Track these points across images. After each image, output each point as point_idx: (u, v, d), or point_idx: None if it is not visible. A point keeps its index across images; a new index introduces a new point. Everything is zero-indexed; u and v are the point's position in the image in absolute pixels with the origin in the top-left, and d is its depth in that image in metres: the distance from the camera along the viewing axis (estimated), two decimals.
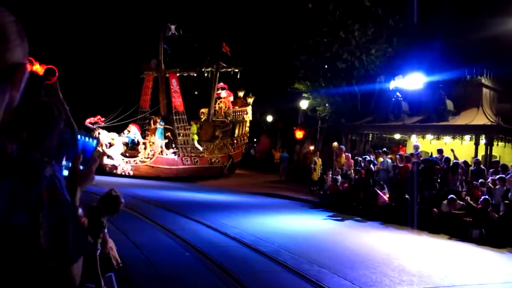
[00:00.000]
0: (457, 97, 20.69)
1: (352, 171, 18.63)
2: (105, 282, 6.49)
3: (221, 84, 31.36)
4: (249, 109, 32.49)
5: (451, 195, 13.68)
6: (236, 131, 31.61)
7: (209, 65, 30.70)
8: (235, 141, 31.33)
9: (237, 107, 32.01)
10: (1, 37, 1.13)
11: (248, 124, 32.58)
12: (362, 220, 15.12)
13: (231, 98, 31.91)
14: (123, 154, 25.57)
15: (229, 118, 31.30)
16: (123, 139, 26.05)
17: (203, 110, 31.81)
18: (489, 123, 18.83)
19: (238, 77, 30.59)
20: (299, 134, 30.71)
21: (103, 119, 25.98)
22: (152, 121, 27.28)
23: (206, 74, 31.39)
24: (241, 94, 32.79)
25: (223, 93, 31.53)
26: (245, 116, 32.24)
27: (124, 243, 9.15)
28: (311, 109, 30.85)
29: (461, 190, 14.47)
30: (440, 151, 16.38)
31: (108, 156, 24.95)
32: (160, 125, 26.80)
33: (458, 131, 19.79)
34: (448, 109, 20.31)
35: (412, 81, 21.98)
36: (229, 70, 30.54)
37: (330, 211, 16.57)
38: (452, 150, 16.21)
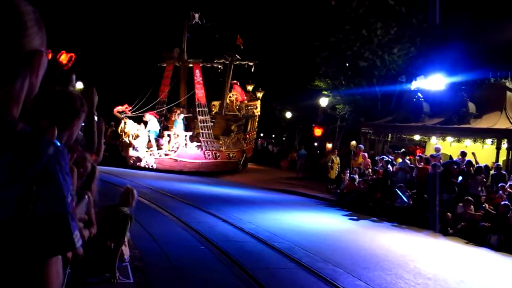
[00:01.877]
0: (480, 99, 20.36)
1: (369, 170, 18.51)
2: (121, 272, 6.57)
3: (233, 81, 30.79)
4: (258, 103, 32.10)
5: (467, 197, 13.52)
6: (249, 126, 31.38)
7: (223, 57, 29.68)
8: (247, 136, 31.13)
9: (245, 101, 31.42)
10: (19, 24, 1.17)
11: (257, 119, 32.34)
12: (378, 220, 15.01)
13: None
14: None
15: (242, 112, 30.82)
16: (147, 131, 25.31)
17: (214, 102, 30.88)
18: None
19: (252, 70, 29.84)
20: (318, 132, 30.58)
21: (130, 108, 25.36)
22: (173, 113, 26.66)
23: (219, 66, 30.28)
24: (250, 88, 32.12)
25: (237, 88, 31.09)
26: (254, 110, 31.91)
27: (140, 234, 9.24)
28: (330, 107, 30.69)
29: (481, 195, 14.25)
30: (463, 154, 16.17)
31: (134, 148, 24.34)
32: (178, 117, 26.16)
33: (479, 134, 19.50)
34: (470, 111, 20.02)
35: (434, 82, 21.73)
36: (243, 63, 29.70)
37: (346, 210, 16.49)
38: (474, 154, 15.98)
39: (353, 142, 22.31)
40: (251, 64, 29.38)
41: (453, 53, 23.90)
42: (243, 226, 11.42)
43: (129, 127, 24.40)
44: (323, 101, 29.94)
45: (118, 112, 24.67)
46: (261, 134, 47.81)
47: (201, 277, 7.61)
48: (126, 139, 24.18)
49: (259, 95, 32.38)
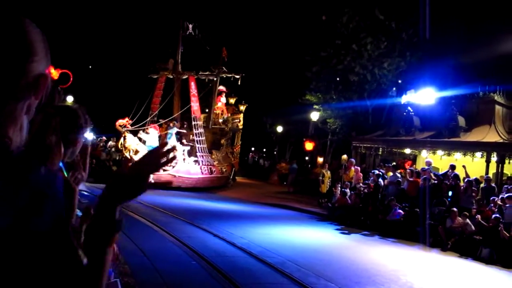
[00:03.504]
0: (469, 113, 20.54)
1: (361, 184, 18.54)
2: None
3: (221, 87, 29.68)
4: (241, 117, 31.26)
5: (453, 209, 13.57)
6: (236, 139, 30.98)
7: (208, 70, 28.26)
8: (235, 150, 30.77)
9: (228, 114, 30.43)
10: (28, 50, 1.18)
11: (241, 133, 31.76)
12: (370, 234, 15.00)
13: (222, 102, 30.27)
14: None
15: (229, 126, 30.01)
16: (146, 145, 24.11)
17: (201, 115, 28.55)
18: (501, 140, 18.66)
19: (239, 83, 28.61)
20: (309, 146, 30.61)
21: (130, 122, 24.35)
22: (167, 126, 25.72)
23: (214, 78, 28.81)
24: (232, 101, 31.15)
25: (222, 99, 30.05)
26: (238, 124, 31.18)
27: (131, 249, 9.15)
28: (321, 121, 30.77)
29: (472, 208, 14.30)
30: (452, 167, 16.25)
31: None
32: (171, 130, 25.13)
33: (469, 147, 19.62)
34: (460, 125, 20.17)
35: (424, 96, 21.87)
36: (229, 76, 28.42)
37: (338, 224, 16.46)
38: (464, 167, 16.08)
39: (344, 156, 22.33)
40: (238, 77, 28.26)
41: (443, 67, 24.13)
42: (235, 241, 11.35)
43: (130, 141, 23.53)
44: (314, 115, 30.04)
45: (120, 126, 23.71)
46: (252, 148, 47.80)
47: None
48: (127, 154, 23.31)
49: (242, 108, 31.67)
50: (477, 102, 20.83)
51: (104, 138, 30.10)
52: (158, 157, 1.52)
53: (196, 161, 25.40)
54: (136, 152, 23.38)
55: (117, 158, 29.72)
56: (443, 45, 25.61)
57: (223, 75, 28.40)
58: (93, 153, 27.93)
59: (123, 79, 36.54)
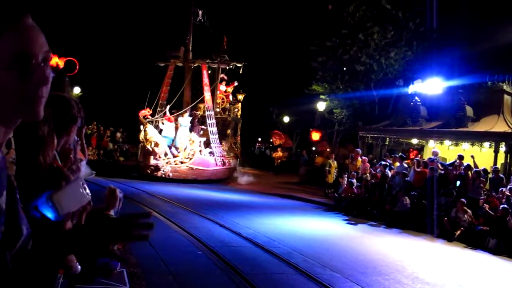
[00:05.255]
0: (477, 103, 20.38)
1: (367, 175, 18.48)
2: (117, 278, 6.50)
3: (222, 75, 28.66)
4: (239, 106, 30.52)
5: (460, 199, 13.50)
6: (238, 129, 30.49)
7: (209, 58, 27.09)
8: (237, 140, 30.31)
9: (227, 104, 29.52)
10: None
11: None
12: (376, 224, 14.96)
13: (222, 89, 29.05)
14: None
15: (231, 115, 29.35)
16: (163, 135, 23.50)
17: (200, 105, 27.53)
18: (510, 130, 18.53)
19: (241, 72, 27.65)
20: (315, 136, 30.55)
21: (151, 112, 23.85)
22: (176, 117, 24.74)
23: (227, 67, 27.78)
24: (229, 90, 29.86)
25: (222, 87, 28.84)
26: (237, 113, 30.47)
27: None
28: (328, 111, 30.67)
29: (479, 198, 14.21)
30: (460, 157, 16.15)
31: (155, 156, 22.40)
32: (183, 121, 24.26)
33: (477, 137, 19.51)
34: (468, 115, 20.03)
35: (431, 86, 21.74)
36: (231, 64, 27.39)
37: (344, 214, 16.43)
38: (472, 157, 15.96)
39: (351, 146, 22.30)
40: (239, 65, 27.30)
41: (451, 56, 23.96)
42: (241, 231, 11.36)
43: (151, 133, 22.66)
44: (321, 106, 29.95)
45: (143, 117, 23.08)
46: (259, 139, 47.80)
47: (198, 282, 7.55)
48: (149, 147, 22.42)
49: (240, 97, 30.92)
50: (485, 91, 20.69)
51: (111, 128, 30.12)
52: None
53: (211, 153, 24.87)
54: (156, 144, 22.78)
55: (124, 149, 29.77)
56: (451, 35, 25.40)
57: (225, 64, 27.57)
58: (100, 144, 28.00)
59: (130, 69, 36.36)
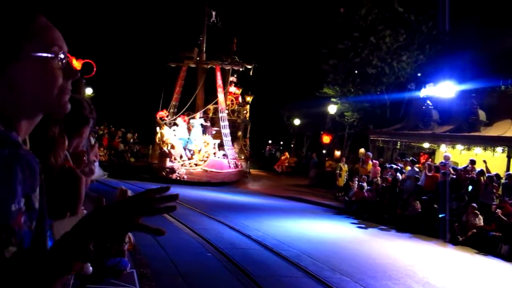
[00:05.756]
0: (490, 107, 20.16)
1: (378, 178, 18.39)
2: (127, 278, 6.52)
3: (232, 78, 28.62)
4: (248, 108, 30.44)
5: (473, 204, 13.37)
6: (247, 131, 30.39)
7: (219, 59, 26.84)
8: (247, 142, 30.26)
9: (236, 106, 29.40)
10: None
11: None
12: (386, 228, 14.87)
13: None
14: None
15: (241, 117, 29.33)
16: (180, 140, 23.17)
17: (210, 106, 27.32)
18: None
19: (251, 74, 27.31)
20: (326, 139, 30.47)
21: (168, 114, 23.73)
22: (189, 119, 24.60)
23: (240, 69, 27.46)
24: (237, 91, 29.67)
25: (231, 89, 28.73)
26: (246, 115, 30.42)
27: (147, 240, 9.19)
28: (339, 114, 30.57)
29: (492, 204, 14.05)
30: (472, 162, 16.00)
31: (173, 159, 22.18)
32: (196, 123, 24.03)
33: (490, 142, 19.29)
34: (480, 119, 19.82)
35: (443, 90, 21.56)
36: (240, 66, 26.97)
37: (354, 218, 16.36)
38: (485, 162, 15.79)
39: (362, 150, 22.18)
40: (249, 67, 26.90)
41: (463, 60, 23.76)
42: (250, 233, 11.36)
43: (167, 135, 22.52)
44: (332, 108, 29.85)
45: (160, 118, 23.02)
46: (269, 141, 47.80)
47: (207, 284, 7.56)
48: (165, 149, 22.25)
49: (249, 99, 30.90)
50: (498, 95, 20.45)
51: (122, 129, 30.25)
52: (154, 200, 1.29)
53: (224, 155, 24.68)
54: (173, 146, 22.55)
55: (135, 150, 29.88)
56: (463, 38, 25.18)
57: (238, 66, 27.37)
58: (111, 145, 28.15)
59: (141, 69, 36.53)
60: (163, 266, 8.03)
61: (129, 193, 6.56)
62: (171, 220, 12.30)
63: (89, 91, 32.24)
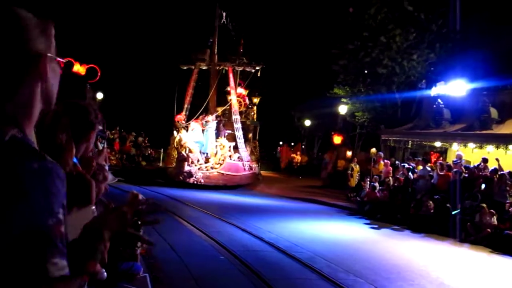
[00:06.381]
0: (502, 105, 20.01)
1: (390, 178, 18.30)
2: (140, 283, 6.55)
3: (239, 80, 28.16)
4: (255, 109, 30.08)
5: (482, 204, 13.27)
6: (257, 133, 30.15)
7: (228, 60, 26.62)
8: (256, 143, 29.97)
9: (244, 108, 28.82)
10: (18, 28, 1.20)
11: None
12: (399, 229, 14.80)
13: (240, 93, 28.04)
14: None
15: (249, 119, 28.96)
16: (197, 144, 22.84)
17: (218, 108, 27.16)
18: None
19: (259, 75, 27.02)
20: (337, 140, 30.37)
21: (185, 117, 23.51)
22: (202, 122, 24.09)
23: (252, 70, 27.14)
24: (244, 93, 29.05)
25: (239, 90, 28.10)
26: (254, 117, 30.07)
27: (160, 244, 9.24)
28: (350, 115, 30.46)
29: (506, 202, 13.93)
30: (485, 160, 15.88)
31: (190, 163, 21.90)
32: (209, 126, 23.68)
33: (502, 140, 19.12)
34: (492, 117, 19.67)
35: (454, 88, 21.44)
36: (248, 67, 26.57)
37: (367, 218, 16.30)
38: (497, 160, 15.66)
39: (373, 150, 22.08)
40: (258, 68, 26.60)
41: (474, 58, 23.57)
42: (263, 235, 11.36)
43: (185, 138, 22.29)
44: (342, 109, 29.74)
45: (179, 121, 22.81)
46: (280, 142, 47.78)
47: (220, 287, 7.57)
48: (184, 153, 22.01)
49: (256, 100, 30.67)
50: (510, 93, 20.30)
51: (133, 133, 30.38)
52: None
53: (239, 158, 24.51)
54: (191, 150, 22.31)
55: (147, 153, 29.98)
56: (474, 36, 24.99)
57: (250, 67, 27.06)
58: (123, 149, 28.31)
59: (152, 73, 36.66)
60: (176, 269, 8.06)
61: (140, 197, 6.59)
62: (184, 223, 12.36)
63: (100, 95, 32.48)
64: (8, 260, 1.03)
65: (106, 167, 3.27)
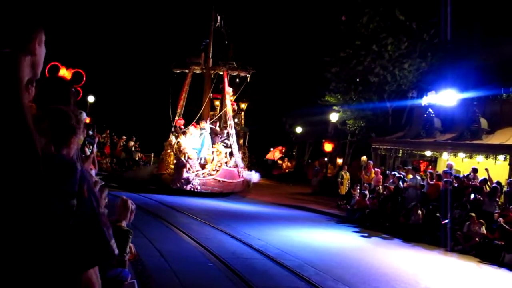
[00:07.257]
0: (492, 115, 20.17)
1: (380, 186, 18.35)
2: None
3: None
4: (242, 115, 29.55)
5: (471, 213, 13.35)
6: (246, 139, 29.69)
7: (219, 66, 25.90)
8: (246, 150, 29.38)
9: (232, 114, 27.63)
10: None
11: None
12: (389, 237, 14.82)
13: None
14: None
15: (239, 125, 28.42)
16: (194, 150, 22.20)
17: (211, 113, 26.25)
18: None
19: (248, 81, 26.23)
20: (328, 147, 30.44)
21: (184, 122, 23.09)
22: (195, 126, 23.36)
23: (247, 75, 26.20)
24: (232, 98, 27.73)
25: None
26: (242, 123, 29.40)
27: (149, 250, 9.18)
28: (341, 122, 30.55)
29: (494, 212, 14.01)
30: (474, 170, 15.97)
31: (188, 169, 21.29)
32: (204, 131, 23.06)
33: (492, 150, 19.26)
34: (482, 127, 19.81)
35: (445, 98, 21.59)
36: (242, 72, 25.91)
37: (357, 226, 16.31)
38: (487, 170, 15.75)
39: (364, 158, 22.16)
40: (248, 75, 25.84)
41: (465, 68, 23.79)
42: (252, 242, 11.31)
43: (185, 144, 21.63)
44: (334, 116, 29.83)
45: (180, 126, 22.38)
46: (271, 149, 47.77)
47: None
48: (183, 159, 21.37)
49: (243, 106, 30.43)
50: (500, 103, 20.46)
51: (124, 137, 30.17)
52: None
53: (235, 165, 24.13)
54: (189, 157, 21.72)
55: (137, 158, 29.77)
56: (465, 46, 25.23)
57: (244, 72, 26.21)
58: (113, 153, 28.14)
59: (144, 77, 36.47)
60: (165, 276, 7.99)
61: (130, 203, 6.54)
62: (173, 229, 12.28)
63: (91, 99, 32.32)
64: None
65: (93, 172, 3.24)
